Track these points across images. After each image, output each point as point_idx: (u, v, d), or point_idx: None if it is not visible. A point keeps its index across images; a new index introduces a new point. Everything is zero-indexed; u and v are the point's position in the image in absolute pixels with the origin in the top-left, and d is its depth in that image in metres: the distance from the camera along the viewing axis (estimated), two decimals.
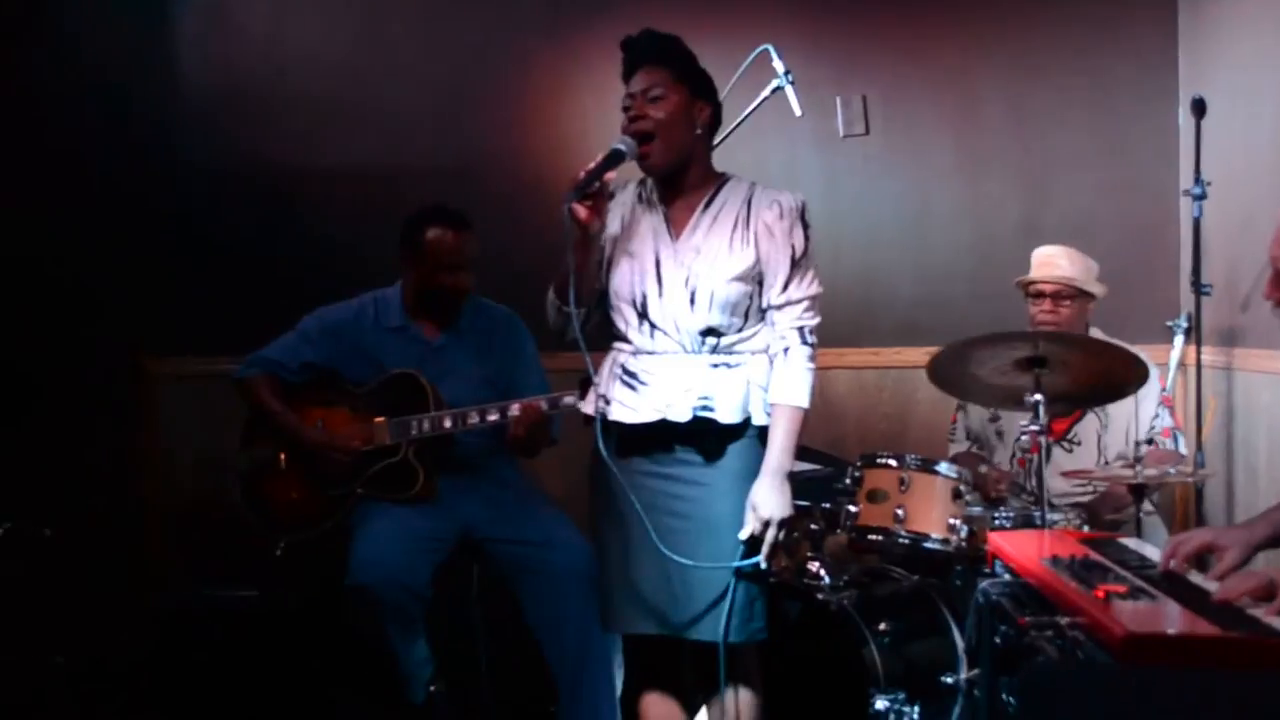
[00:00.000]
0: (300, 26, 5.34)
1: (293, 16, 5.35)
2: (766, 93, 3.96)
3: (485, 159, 5.18)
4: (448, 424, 4.01)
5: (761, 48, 3.94)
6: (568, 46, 5.21)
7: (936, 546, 3.73)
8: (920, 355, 4.86)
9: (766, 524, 3.13)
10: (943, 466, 3.80)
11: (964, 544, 3.72)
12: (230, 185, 5.26)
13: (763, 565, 3.17)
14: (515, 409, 3.93)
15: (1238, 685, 2.15)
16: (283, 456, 4.18)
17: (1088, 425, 4.37)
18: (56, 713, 4.35)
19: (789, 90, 3.93)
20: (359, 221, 5.10)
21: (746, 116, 3.96)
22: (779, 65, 3.93)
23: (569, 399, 3.77)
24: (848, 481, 3.86)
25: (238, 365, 4.22)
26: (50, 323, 4.99)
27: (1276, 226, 2.68)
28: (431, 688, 3.99)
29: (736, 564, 3.16)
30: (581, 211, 3.11)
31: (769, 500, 3.14)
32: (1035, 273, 4.35)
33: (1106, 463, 4.28)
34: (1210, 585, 2.57)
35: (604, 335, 3.33)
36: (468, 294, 4.15)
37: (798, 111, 3.94)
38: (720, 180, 3.31)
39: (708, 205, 3.27)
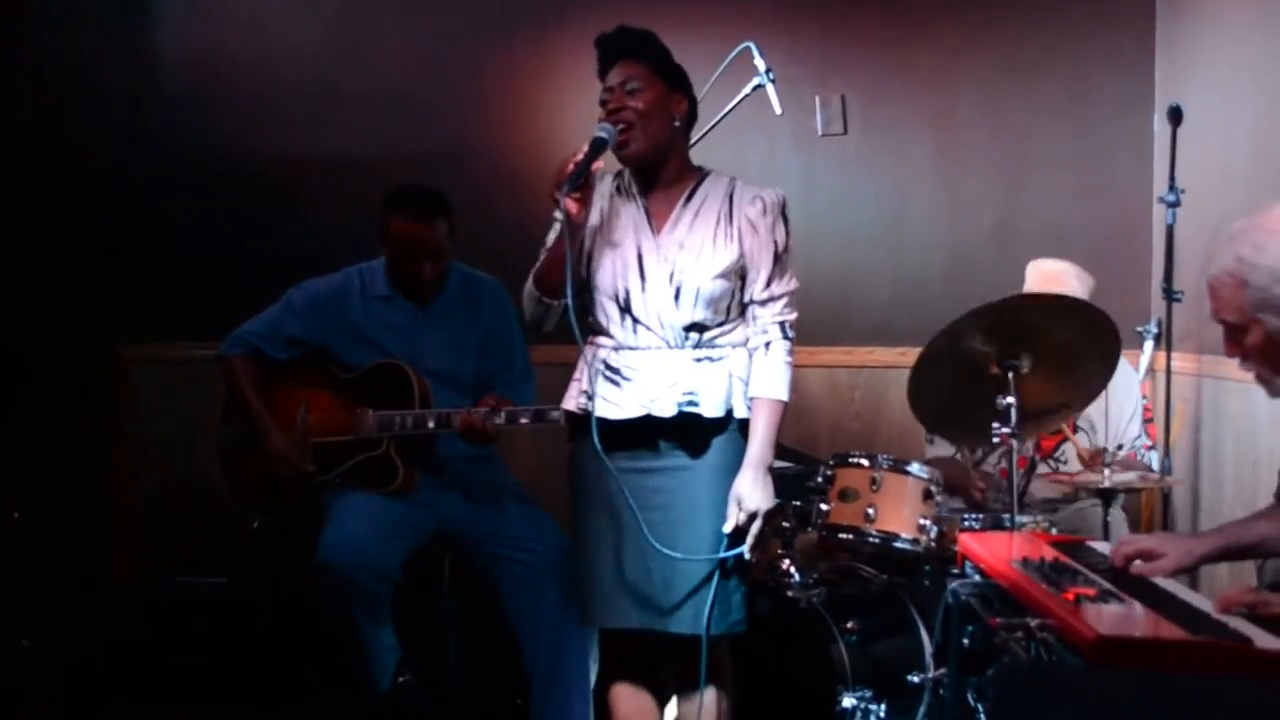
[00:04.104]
0: (282, 13, 5.32)
1: (275, 3, 5.33)
2: (747, 90, 3.99)
3: (466, 148, 5.17)
4: (431, 424, 3.93)
5: (743, 45, 3.96)
6: (551, 37, 5.21)
7: (906, 546, 3.73)
8: (893, 355, 4.91)
9: (752, 516, 3.17)
10: (914, 467, 3.80)
11: (934, 544, 3.72)
12: (208, 171, 5.24)
13: (747, 556, 3.20)
14: (501, 418, 3.85)
15: (1206, 688, 2.17)
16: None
17: (1072, 447, 4.37)
18: (24, 696, 4.33)
19: (769, 88, 3.96)
20: (337, 208, 5.08)
21: (727, 113, 3.98)
22: (760, 63, 3.96)
23: (555, 413, 3.63)
24: (819, 479, 3.85)
25: (212, 351, 4.19)
26: (22, 307, 4.96)
27: (1207, 281, 2.66)
28: (401, 678, 3.97)
29: (721, 555, 3.19)
30: (573, 205, 3.11)
31: (753, 493, 3.18)
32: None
33: None
34: (1176, 589, 2.60)
35: (580, 328, 3.30)
36: (439, 279, 4.09)
37: (778, 109, 3.97)
38: (700, 175, 3.32)
39: (689, 199, 3.28)
